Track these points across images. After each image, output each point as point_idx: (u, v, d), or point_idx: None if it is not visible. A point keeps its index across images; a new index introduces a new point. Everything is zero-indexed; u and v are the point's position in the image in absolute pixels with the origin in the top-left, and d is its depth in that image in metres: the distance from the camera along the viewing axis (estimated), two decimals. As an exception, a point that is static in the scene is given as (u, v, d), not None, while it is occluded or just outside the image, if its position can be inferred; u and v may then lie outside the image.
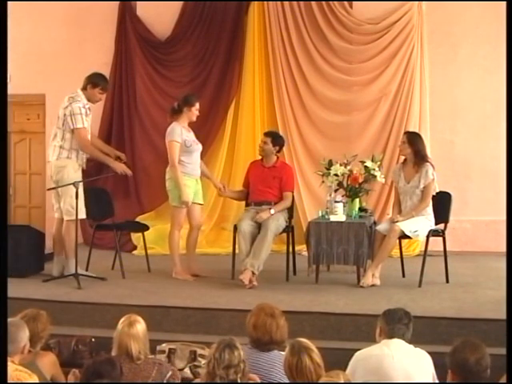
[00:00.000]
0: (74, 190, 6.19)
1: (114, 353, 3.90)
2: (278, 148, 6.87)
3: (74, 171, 6.45)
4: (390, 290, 6.06)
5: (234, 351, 3.40)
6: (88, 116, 6.54)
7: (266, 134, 6.99)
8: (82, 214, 6.51)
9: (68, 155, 6.47)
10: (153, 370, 3.86)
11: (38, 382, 3.57)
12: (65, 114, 6.42)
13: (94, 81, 6.57)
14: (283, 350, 3.90)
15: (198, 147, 6.78)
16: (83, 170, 6.65)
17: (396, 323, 3.76)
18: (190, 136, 6.71)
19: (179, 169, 6.55)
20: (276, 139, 6.89)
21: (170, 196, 6.71)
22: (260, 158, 6.97)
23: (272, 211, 6.51)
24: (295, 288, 6.17)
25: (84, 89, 6.54)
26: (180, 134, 6.58)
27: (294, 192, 6.99)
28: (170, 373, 3.93)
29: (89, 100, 6.56)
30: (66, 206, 6.41)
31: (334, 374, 3.27)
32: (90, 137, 6.64)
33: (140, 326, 3.92)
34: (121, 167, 6.68)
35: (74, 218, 6.31)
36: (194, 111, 6.67)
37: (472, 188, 8.36)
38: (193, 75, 8.93)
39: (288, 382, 3.75)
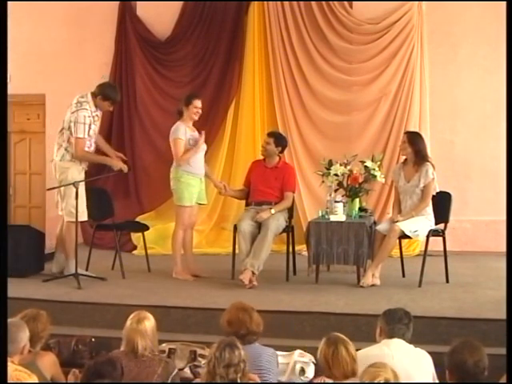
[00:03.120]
0: (75, 190, 6.21)
1: (122, 348, 3.94)
2: (280, 149, 6.86)
3: (77, 173, 6.49)
4: (390, 289, 6.06)
5: (234, 350, 3.42)
6: (95, 122, 6.57)
7: (269, 135, 6.98)
8: (84, 217, 6.53)
9: (71, 158, 6.52)
10: (159, 366, 3.88)
11: (37, 382, 3.57)
12: (71, 120, 6.45)
13: (106, 94, 6.55)
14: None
15: (203, 147, 6.78)
16: (85, 172, 6.67)
17: (396, 323, 3.76)
18: (195, 135, 6.72)
19: (183, 167, 6.57)
20: (279, 140, 6.89)
21: (175, 195, 6.71)
22: (262, 157, 6.97)
23: (272, 211, 6.51)
24: (295, 288, 6.16)
25: (95, 96, 6.54)
26: (184, 132, 6.59)
27: (295, 192, 6.98)
28: (175, 371, 3.95)
29: (97, 107, 6.57)
30: (68, 207, 6.43)
31: (381, 364, 3.26)
32: (97, 138, 6.70)
33: (149, 323, 3.96)
34: (118, 164, 6.68)
35: (74, 219, 6.34)
36: (193, 109, 6.66)
37: (472, 188, 8.36)
38: (193, 75, 8.93)
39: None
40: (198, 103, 6.70)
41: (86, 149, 6.53)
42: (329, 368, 3.54)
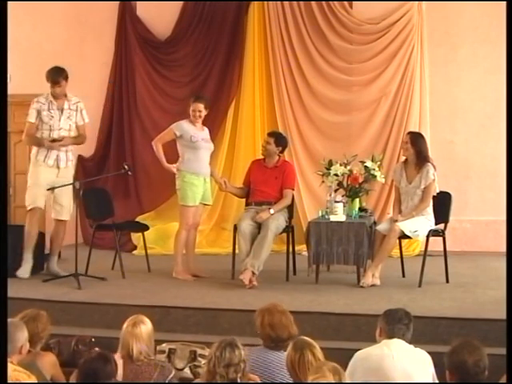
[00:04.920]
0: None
1: (118, 352, 3.93)
2: (280, 148, 6.85)
3: (33, 166, 6.65)
4: (390, 289, 6.06)
5: (234, 350, 3.41)
6: (53, 111, 6.59)
7: (270, 135, 6.96)
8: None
9: (32, 151, 6.75)
10: (154, 371, 3.86)
11: (37, 382, 3.56)
12: None
13: (46, 77, 6.66)
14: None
15: (206, 146, 6.76)
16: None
17: (396, 323, 3.76)
18: (200, 134, 6.70)
19: (185, 167, 6.58)
20: (279, 140, 6.88)
21: (179, 195, 6.71)
22: (262, 157, 6.96)
23: (271, 211, 6.50)
24: (295, 288, 6.16)
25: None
26: (184, 128, 6.62)
27: (294, 190, 6.97)
28: (172, 374, 3.94)
29: (52, 96, 6.64)
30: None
31: (318, 369, 3.22)
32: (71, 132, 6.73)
33: (144, 327, 3.94)
34: (53, 145, 6.61)
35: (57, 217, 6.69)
36: (191, 112, 6.66)
37: (472, 188, 8.36)
38: (193, 75, 8.93)
39: (288, 382, 3.76)
40: (196, 106, 6.66)
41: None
42: (296, 374, 3.53)
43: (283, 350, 3.92)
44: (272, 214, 6.48)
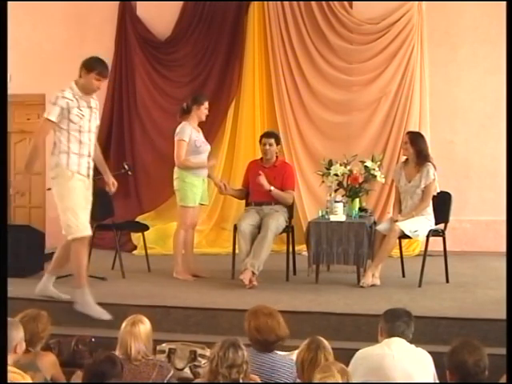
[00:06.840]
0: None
1: (117, 352, 3.92)
2: (280, 147, 6.97)
3: (61, 179, 5.37)
4: (390, 289, 6.06)
5: (238, 351, 3.40)
6: (83, 108, 5.35)
7: (269, 135, 6.90)
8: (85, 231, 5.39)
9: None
10: (153, 371, 3.85)
11: (37, 382, 3.56)
12: None
13: (89, 64, 5.39)
14: (284, 348, 3.93)
15: (207, 148, 6.78)
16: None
17: (395, 320, 3.76)
18: (200, 136, 6.71)
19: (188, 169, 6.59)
20: (278, 139, 6.98)
21: (178, 196, 6.70)
22: (260, 157, 6.97)
23: (272, 188, 6.55)
24: (295, 288, 6.16)
25: (79, 77, 5.47)
26: (189, 133, 6.58)
27: (294, 190, 6.98)
28: (171, 373, 3.93)
29: (83, 90, 5.38)
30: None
31: (327, 368, 3.23)
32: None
33: (143, 327, 3.93)
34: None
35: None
36: (203, 110, 6.67)
37: (472, 188, 8.36)
38: (193, 75, 8.94)
39: (288, 382, 3.76)
40: (207, 104, 6.71)
41: (75, 144, 5.34)
42: (302, 371, 3.54)
43: (275, 351, 3.92)
44: (270, 191, 6.54)
